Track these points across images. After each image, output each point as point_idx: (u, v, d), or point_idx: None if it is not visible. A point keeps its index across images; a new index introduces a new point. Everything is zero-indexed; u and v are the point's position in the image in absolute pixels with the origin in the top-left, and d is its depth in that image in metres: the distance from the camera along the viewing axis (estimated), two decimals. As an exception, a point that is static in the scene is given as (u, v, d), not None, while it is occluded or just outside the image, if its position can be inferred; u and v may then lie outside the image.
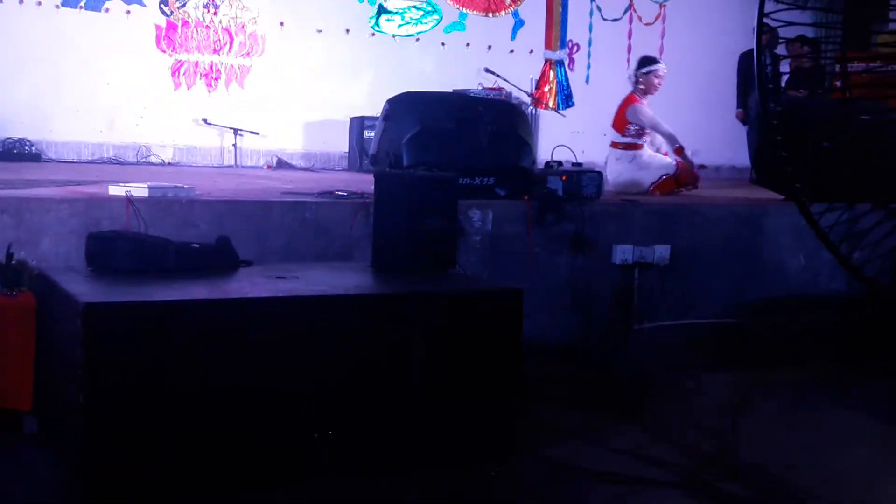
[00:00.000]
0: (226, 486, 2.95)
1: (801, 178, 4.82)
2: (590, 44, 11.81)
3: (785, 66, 10.13)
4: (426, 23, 11.01)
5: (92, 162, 9.27)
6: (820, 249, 5.67)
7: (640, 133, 6.64)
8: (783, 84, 10.40)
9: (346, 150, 10.13)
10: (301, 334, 3.06)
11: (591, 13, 11.75)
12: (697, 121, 9.71)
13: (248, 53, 10.20)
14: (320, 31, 10.44)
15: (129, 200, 3.96)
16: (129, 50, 9.61)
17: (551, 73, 10.95)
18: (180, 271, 3.42)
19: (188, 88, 9.95)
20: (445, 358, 3.27)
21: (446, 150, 4.87)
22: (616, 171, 6.54)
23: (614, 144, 6.70)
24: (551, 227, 4.89)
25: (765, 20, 9.46)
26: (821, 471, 3.39)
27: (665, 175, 6.47)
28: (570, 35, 11.39)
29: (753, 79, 10.02)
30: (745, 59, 10.15)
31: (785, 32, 10.80)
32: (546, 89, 10.86)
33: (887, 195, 5.27)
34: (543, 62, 11.02)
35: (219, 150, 10.09)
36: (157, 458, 2.84)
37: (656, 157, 6.65)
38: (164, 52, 9.83)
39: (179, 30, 9.88)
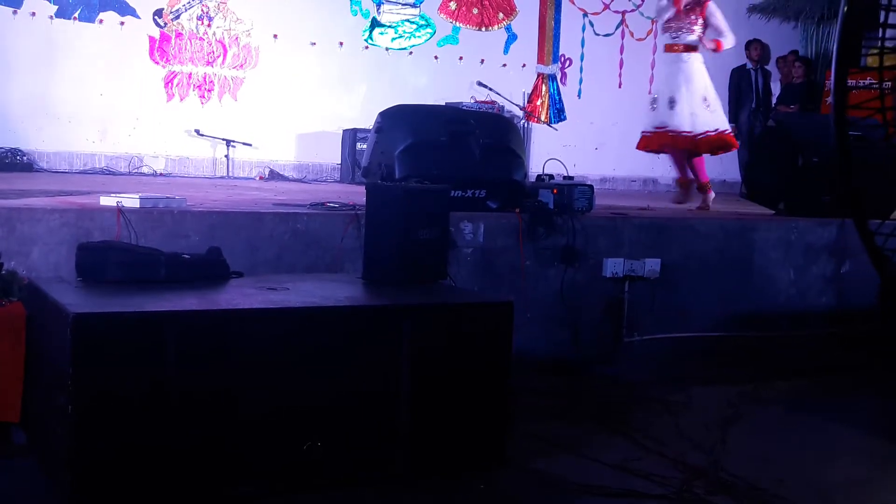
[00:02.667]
0: (214, 498, 2.94)
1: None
2: (582, 58, 11.87)
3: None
4: (419, 36, 11.05)
5: (84, 172, 9.26)
6: (810, 264, 5.72)
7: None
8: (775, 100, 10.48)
9: (339, 162, 10.15)
10: (291, 345, 3.06)
11: (584, 28, 11.81)
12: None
13: (241, 65, 10.22)
14: (314, 43, 10.47)
15: (120, 211, 3.96)
16: (122, 61, 9.63)
17: (543, 87, 11.03)
18: (171, 282, 3.41)
19: (181, 100, 9.96)
20: (435, 370, 3.27)
21: (438, 163, 4.87)
22: (663, 75, 6.53)
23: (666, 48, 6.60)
24: (542, 240, 4.91)
25: (756, 38, 9.42)
26: (811, 485, 3.40)
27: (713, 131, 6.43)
28: (563, 50, 11.48)
29: (743, 94, 10.10)
30: (736, 74, 10.23)
31: (776, 48, 10.89)
32: (538, 103, 10.93)
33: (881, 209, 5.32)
34: (536, 76, 11.10)
35: (211, 161, 10.10)
36: (146, 469, 2.83)
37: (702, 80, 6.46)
38: (157, 63, 9.85)
39: (173, 41, 9.90)
